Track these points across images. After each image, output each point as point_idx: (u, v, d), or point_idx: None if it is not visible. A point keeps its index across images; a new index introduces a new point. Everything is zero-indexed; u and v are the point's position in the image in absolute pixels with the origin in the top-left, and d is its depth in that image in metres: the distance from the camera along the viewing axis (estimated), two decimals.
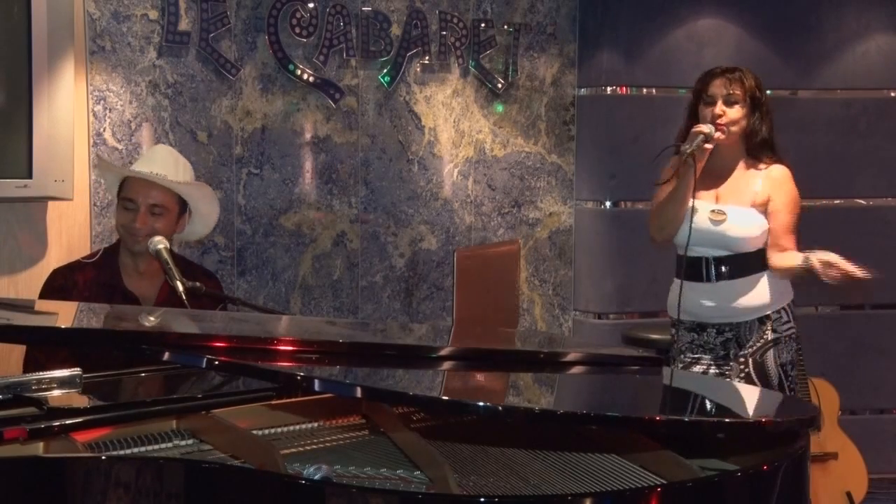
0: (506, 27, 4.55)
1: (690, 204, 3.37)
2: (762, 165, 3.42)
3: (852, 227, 4.75)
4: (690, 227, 3.35)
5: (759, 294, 3.45)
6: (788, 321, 3.46)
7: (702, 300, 3.42)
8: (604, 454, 2.26)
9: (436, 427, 2.38)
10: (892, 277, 4.77)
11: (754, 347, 3.43)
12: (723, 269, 3.41)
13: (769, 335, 3.44)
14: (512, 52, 4.56)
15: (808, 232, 4.65)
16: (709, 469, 2.18)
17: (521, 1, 4.58)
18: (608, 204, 4.68)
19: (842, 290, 3.36)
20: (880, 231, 4.78)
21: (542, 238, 4.73)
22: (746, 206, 3.41)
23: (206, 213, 3.28)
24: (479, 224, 4.60)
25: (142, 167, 3.17)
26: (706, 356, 3.45)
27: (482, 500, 1.99)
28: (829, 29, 4.70)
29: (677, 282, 3.47)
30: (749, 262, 3.44)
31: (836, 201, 4.77)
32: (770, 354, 3.45)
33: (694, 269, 3.43)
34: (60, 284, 3.12)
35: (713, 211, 3.41)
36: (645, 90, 4.66)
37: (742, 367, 3.42)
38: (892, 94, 4.77)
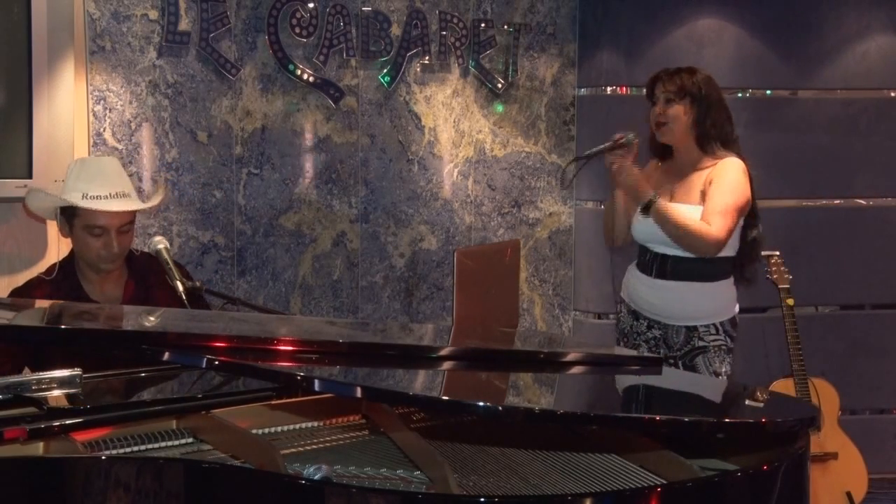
0: (506, 27, 4.54)
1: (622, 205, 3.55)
2: (714, 160, 3.43)
3: (852, 227, 4.75)
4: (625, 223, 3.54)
5: (693, 304, 3.46)
6: (718, 334, 3.46)
7: (637, 289, 3.53)
8: (604, 454, 2.26)
9: (436, 427, 2.38)
10: (892, 277, 4.80)
11: (682, 351, 3.46)
12: (666, 267, 3.44)
13: (696, 342, 3.46)
14: (512, 52, 4.55)
15: (808, 232, 4.68)
16: (709, 469, 2.18)
17: (521, 1, 4.58)
18: None
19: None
20: (880, 231, 4.78)
21: (542, 238, 4.73)
22: (695, 203, 3.40)
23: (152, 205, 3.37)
24: (479, 224, 4.60)
25: (97, 190, 3.02)
26: (644, 346, 3.51)
27: (482, 500, 1.99)
28: (829, 29, 4.69)
29: (629, 268, 3.63)
30: (688, 268, 3.43)
31: (836, 201, 4.77)
32: (700, 360, 3.46)
33: (641, 260, 3.54)
34: None
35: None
36: (645, 90, 4.66)
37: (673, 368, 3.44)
38: (892, 94, 4.77)
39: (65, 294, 3.07)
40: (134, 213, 3.12)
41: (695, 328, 3.45)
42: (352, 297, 4.37)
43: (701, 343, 3.45)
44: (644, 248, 3.53)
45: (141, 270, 3.16)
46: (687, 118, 3.42)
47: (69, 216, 3.07)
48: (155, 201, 3.34)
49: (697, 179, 3.43)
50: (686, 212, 3.36)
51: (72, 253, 3.16)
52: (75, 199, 3.02)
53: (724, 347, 3.47)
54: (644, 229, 3.46)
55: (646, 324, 3.53)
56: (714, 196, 3.34)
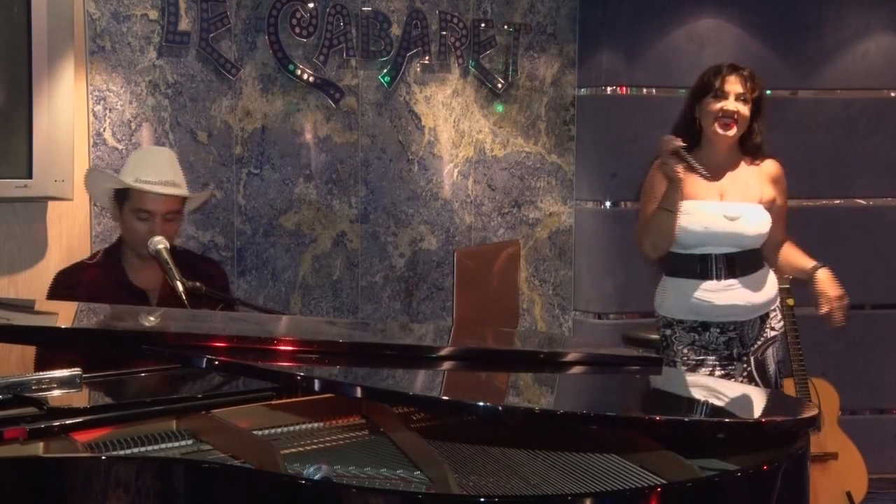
0: (506, 27, 4.54)
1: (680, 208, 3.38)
2: (756, 161, 3.48)
3: (852, 227, 4.75)
4: (681, 228, 3.36)
5: (763, 291, 3.46)
6: (779, 318, 3.52)
7: (708, 298, 3.40)
8: (604, 454, 2.26)
9: (436, 427, 2.38)
10: (892, 277, 4.80)
11: (756, 345, 3.44)
12: (732, 266, 3.41)
13: (769, 332, 3.47)
14: (512, 52, 4.56)
15: (808, 232, 4.67)
16: (709, 469, 2.18)
17: (521, 1, 4.58)
18: (608, 204, 4.69)
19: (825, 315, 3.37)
20: (880, 231, 4.78)
21: (542, 238, 4.73)
22: (755, 202, 3.43)
23: (196, 203, 3.49)
24: (479, 224, 4.60)
25: (149, 176, 3.18)
26: (710, 357, 3.43)
27: (482, 500, 2.00)
28: (829, 29, 4.70)
29: (669, 280, 3.49)
30: (753, 259, 3.46)
31: (836, 201, 4.77)
32: (770, 352, 3.47)
33: (701, 268, 3.41)
34: (67, 284, 3.18)
35: (728, 212, 3.41)
36: (645, 90, 4.66)
37: (745, 365, 3.43)
38: (892, 94, 4.77)
39: (109, 278, 3.17)
40: (181, 203, 3.25)
41: (766, 316, 3.46)
42: (352, 297, 4.37)
43: (773, 333, 3.48)
44: (696, 256, 3.40)
45: (180, 265, 3.19)
46: (747, 123, 3.42)
47: (121, 200, 3.21)
48: (200, 196, 3.49)
49: (749, 179, 3.44)
50: (797, 257, 3.50)
51: (119, 240, 3.28)
52: (128, 181, 3.17)
53: (783, 333, 3.56)
54: (699, 231, 3.37)
55: (718, 330, 3.42)
56: (783, 211, 3.52)
